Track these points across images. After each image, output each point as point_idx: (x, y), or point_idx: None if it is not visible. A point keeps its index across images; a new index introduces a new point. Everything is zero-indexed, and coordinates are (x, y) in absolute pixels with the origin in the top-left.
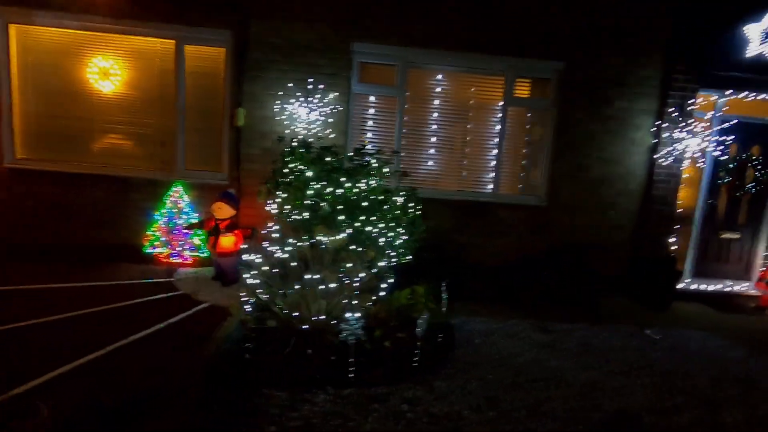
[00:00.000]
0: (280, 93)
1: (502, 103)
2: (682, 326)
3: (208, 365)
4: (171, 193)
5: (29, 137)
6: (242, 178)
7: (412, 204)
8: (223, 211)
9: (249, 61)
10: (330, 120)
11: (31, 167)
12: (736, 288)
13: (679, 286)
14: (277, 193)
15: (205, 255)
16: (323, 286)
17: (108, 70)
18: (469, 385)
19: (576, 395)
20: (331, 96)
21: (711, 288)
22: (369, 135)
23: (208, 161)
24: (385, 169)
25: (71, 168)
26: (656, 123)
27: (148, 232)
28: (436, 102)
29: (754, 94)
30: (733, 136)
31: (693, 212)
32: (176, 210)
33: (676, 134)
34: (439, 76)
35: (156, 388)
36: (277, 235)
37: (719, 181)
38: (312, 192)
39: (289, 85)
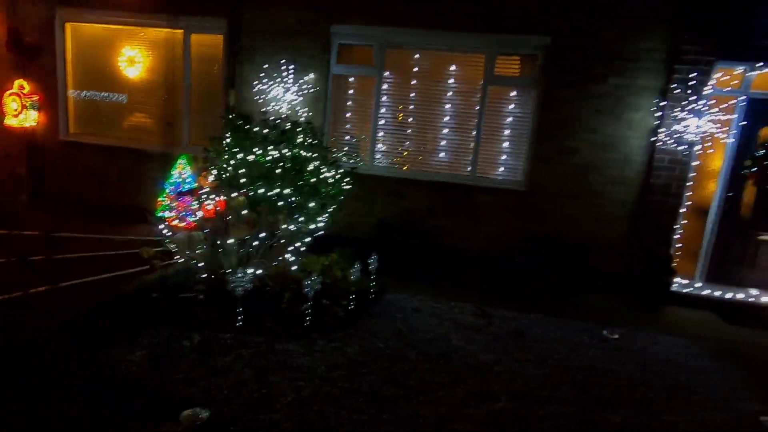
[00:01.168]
0: (265, 75)
1: (482, 82)
2: (662, 331)
3: (120, 300)
4: (177, 165)
5: (78, 116)
6: None
7: (332, 175)
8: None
9: (240, 45)
10: (310, 100)
11: (78, 140)
12: (765, 299)
13: (687, 290)
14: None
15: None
16: (219, 241)
17: (134, 58)
18: (348, 349)
19: (449, 372)
20: (312, 77)
21: (729, 296)
22: (348, 115)
23: (208, 137)
24: (301, 139)
25: (105, 141)
26: (659, 102)
27: (160, 198)
28: (414, 81)
29: None
30: (765, 118)
31: (708, 206)
32: (181, 180)
33: (683, 115)
34: (417, 56)
35: (78, 312)
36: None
37: (744, 171)
38: (226, 157)
39: (274, 67)
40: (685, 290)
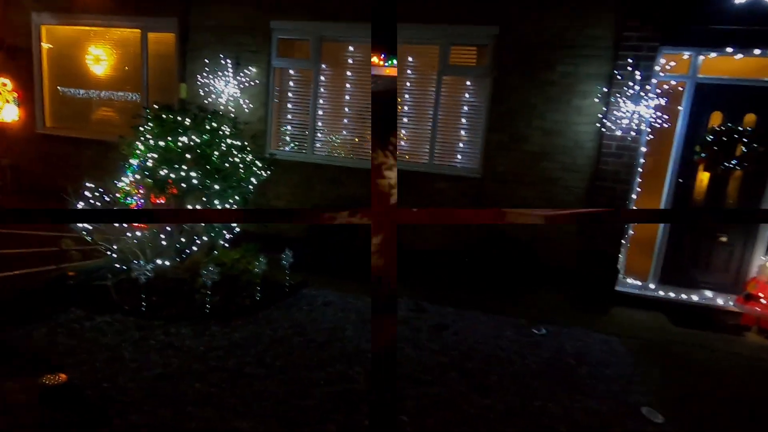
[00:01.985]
0: (213, 69)
1: (436, 72)
2: (598, 330)
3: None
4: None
5: (53, 111)
6: None
7: (242, 159)
8: None
9: (190, 42)
10: (254, 92)
11: (53, 133)
12: (719, 301)
13: (639, 291)
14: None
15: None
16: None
17: (100, 57)
18: (237, 334)
19: (323, 357)
20: (255, 70)
21: (683, 297)
22: (289, 105)
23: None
24: (212, 126)
25: (75, 134)
26: (605, 89)
27: (121, 186)
28: (349, 73)
29: (744, 50)
30: (714, 103)
31: (660, 197)
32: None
33: (628, 101)
34: (351, 48)
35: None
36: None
37: (694, 157)
38: (138, 143)
39: (221, 61)
40: (637, 291)
